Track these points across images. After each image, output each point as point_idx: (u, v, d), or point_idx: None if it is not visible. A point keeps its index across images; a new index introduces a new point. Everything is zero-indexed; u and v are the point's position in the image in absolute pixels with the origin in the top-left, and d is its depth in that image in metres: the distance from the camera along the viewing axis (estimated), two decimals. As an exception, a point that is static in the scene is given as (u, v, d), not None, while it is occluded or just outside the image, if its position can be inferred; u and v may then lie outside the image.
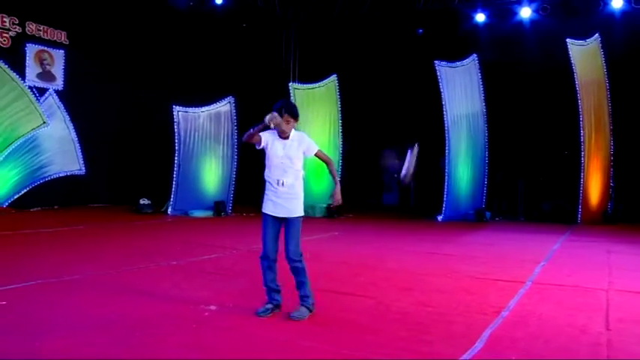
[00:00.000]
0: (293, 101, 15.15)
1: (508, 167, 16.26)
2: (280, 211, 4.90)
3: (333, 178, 5.15)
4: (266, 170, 5.00)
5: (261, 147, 4.99)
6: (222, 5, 16.07)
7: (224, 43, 18.17)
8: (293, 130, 4.95)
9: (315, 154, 5.06)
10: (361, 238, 10.99)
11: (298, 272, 4.90)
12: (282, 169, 4.91)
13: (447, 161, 14.54)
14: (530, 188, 16.16)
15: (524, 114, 16.29)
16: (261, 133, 4.93)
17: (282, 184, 4.89)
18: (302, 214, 4.98)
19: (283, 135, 4.90)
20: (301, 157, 4.99)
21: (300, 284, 4.92)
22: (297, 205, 4.95)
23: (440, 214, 14.48)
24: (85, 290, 5.63)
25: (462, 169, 14.82)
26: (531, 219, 15.15)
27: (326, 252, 8.63)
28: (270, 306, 4.92)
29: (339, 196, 5.04)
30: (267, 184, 5.01)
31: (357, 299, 5.59)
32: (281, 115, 4.78)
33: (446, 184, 14.51)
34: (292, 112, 4.89)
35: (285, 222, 4.91)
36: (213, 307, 5.05)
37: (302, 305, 4.88)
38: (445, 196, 14.51)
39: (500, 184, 16.02)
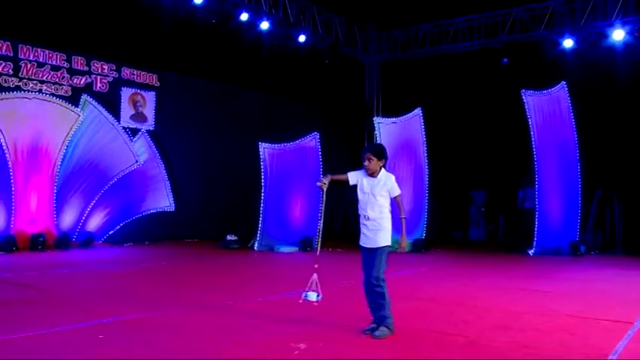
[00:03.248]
0: (378, 136, 15.21)
1: (604, 198, 15.44)
2: (367, 242, 5.40)
3: (402, 228, 5.49)
4: (358, 205, 5.50)
5: (352, 184, 5.53)
6: (305, 43, 16.37)
7: (308, 80, 18.48)
8: (383, 170, 5.45)
9: (395, 198, 5.48)
10: (450, 273, 10.67)
11: (378, 296, 5.30)
12: (367, 204, 5.40)
13: (537, 192, 14.04)
14: (629, 219, 15.24)
15: (619, 141, 15.52)
16: (349, 174, 5.54)
17: (368, 217, 5.39)
18: (386, 244, 5.36)
19: (370, 173, 5.41)
20: (386, 195, 5.42)
21: (381, 306, 5.29)
22: (381, 236, 5.35)
23: (531, 248, 13.91)
24: (172, 327, 5.69)
25: (554, 200, 14.20)
26: (632, 252, 14.25)
27: (415, 289, 8.42)
28: (374, 325, 5.35)
29: (404, 244, 5.53)
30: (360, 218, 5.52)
31: (450, 338, 5.36)
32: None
33: (537, 216, 13.96)
34: (373, 151, 5.43)
35: (371, 251, 5.37)
36: (302, 346, 4.98)
37: (382, 325, 5.28)
38: (536, 228, 13.94)
39: (595, 216, 15.20)
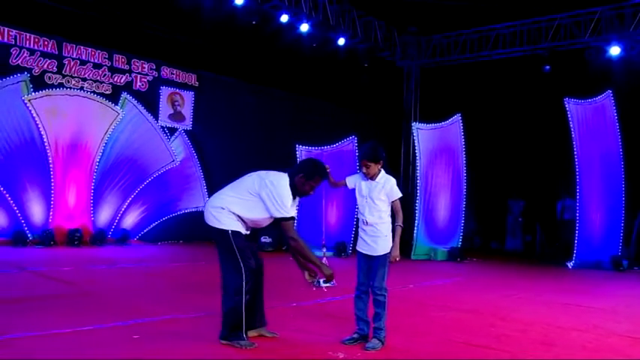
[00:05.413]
0: (416, 141, 14.95)
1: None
2: (366, 249, 5.23)
3: (395, 236, 5.24)
4: (357, 210, 5.45)
5: (351, 188, 5.44)
6: (344, 46, 16.26)
7: (346, 83, 18.37)
8: (382, 172, 5.27)
9: (393, 202, 5.26)
10: (488, 284, 10.43)
11: (379, 305, 5.14)
12: (365, 208, 5.24)
13: (578, 204, 13.67)
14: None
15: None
16: (347, 178, 5.49)
17: (366, 222, 5.23)
18: (386, 252, 5.18)
19: (368, 177, 5.26)
20: (385, 199, 5.22)
21: (378, 316, 5.14)
22: (381, 243, 5.18)
23: (570, 261, 13.55)
24: (208, 330, 5.61)
25: (595, 212, 13.81)
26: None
27: (453, 299, 8.21)
28: (355, 335, 5.22)
29: (396, 254, 5.20)
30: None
31: (493, 353, 5.18)
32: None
33: (577, 228, 13.58)
34: (369, 157, 5.21)
35: (371, 259, 5.20)
36: (341, 355, 4.85)
37: (374, 337, 5.11)
38: (576, 241, 13.56)
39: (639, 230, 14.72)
